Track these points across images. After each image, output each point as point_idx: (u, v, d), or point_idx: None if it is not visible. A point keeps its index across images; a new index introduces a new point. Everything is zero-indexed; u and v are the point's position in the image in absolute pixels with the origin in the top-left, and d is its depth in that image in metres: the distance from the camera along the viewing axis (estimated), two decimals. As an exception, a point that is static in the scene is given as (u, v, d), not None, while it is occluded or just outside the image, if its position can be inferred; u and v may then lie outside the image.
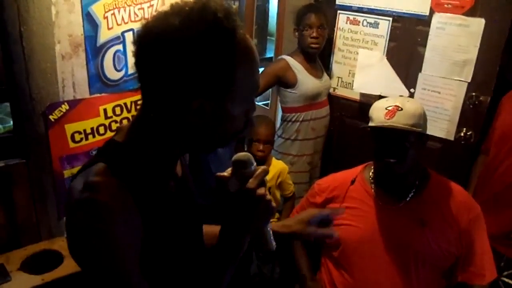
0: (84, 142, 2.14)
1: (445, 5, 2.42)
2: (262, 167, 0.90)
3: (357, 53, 2.85)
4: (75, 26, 1.98)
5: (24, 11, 1.83)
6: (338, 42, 2.96)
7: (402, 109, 1.51)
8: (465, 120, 2.45)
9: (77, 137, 2.11)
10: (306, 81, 2.70)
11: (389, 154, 1.53)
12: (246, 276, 2.65)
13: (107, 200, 0.77)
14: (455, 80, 2.44)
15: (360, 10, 2.80)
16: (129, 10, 2.13)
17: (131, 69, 2.18)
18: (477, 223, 1.59)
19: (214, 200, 0.94)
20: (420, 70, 2.57)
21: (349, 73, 2.93)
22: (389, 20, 2.68)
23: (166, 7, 0.81)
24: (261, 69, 2.74)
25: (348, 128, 3.00)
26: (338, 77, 3.00)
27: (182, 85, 0.78)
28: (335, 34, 2.95)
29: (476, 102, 2.39)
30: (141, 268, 0.82)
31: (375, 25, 2.75)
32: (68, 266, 1.91)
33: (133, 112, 2.29)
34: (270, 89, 3.11)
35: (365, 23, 2.80)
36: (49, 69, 1.95)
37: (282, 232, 1.24)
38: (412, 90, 2.62)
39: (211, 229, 1.10)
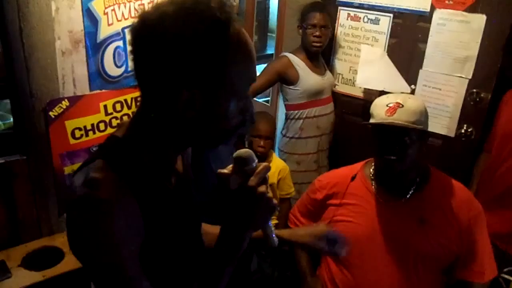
0: (84, 138, 2.14)
1: (446, 1, 2.41)
2: (264, 163, 0.89)
3: (358, 50, 2.84)
4: (75, 22, 1.98)
5: (23, 7, 1.82)
6: (339, 38, 2.95)
7: (403, 106, 1.50)
8: (466, 116, 2.45)
9: (78, 133, 2.11)
10: (308, 77, 2.69)
11: (389, 151, 1.52)
12: (247, 272, 2.65)
13: (107, 196, 0.77)
14: (456, 76, 2.44)
15: (361, 6, 2.79)
16: (129, 6, 2.13)
17: (131, 66, 2.17)
18: (478, 221, 1.58)
19: (214, 197, 0.93)
20: (421, 66, 2.57)
21: (350, 69, 2.92)
22: (390, 17, 2.67)
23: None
24: (262, 66, 2.74)
25: (349, 125, 3.00)
26: (339, 74, 3.00)
27: (173, 74, 0.78)
28: (336, 30, 2.94)
29: (477, 99, 2.38)
30: (141, 264, 0.82)
31: (376, 21, 2.74)
32: (69, 263, 1.92)
33: (134, 109, 2.28)
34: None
35: (366, 19, 2.79)
36: (49, 66, 1.95)
37: (290, 240, 1.27)
38: (413, 86, 2.62)
39: (211, 230, 1.10)
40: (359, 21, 2.82)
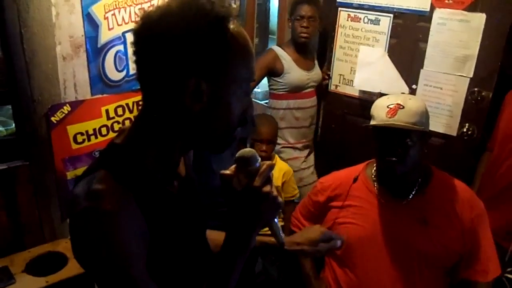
0: (86, 143, 2.14)
1: (446, 1, 2.41)
2: (267, 162, 0.88)
3: (359, 50, 2.84)
4: (75, 27, 1.98)
5: (24, 12, 1.83)
6: (339, 39, 2.95)
7: (404, 107, 1.50)
8: (468, 115, 2.44)
9: (80, 138, 2.11)
10: (293, 71, 2.77)
11: (390, 153, 1.51)
12: (251, 274, 2.65)
13: (111, 208, 0.76)
14: (457, 75, 2.44)
15: (361, 7, 2.80)
16: (130, 10, 2.13)
17: (133, 70, 2.18)
18: (481, 221, 1.58)
19: (217, 199, 0.93)
20: (422, 66, 2.57)
21: (351, 70, 2.92)
22: (390, 17, 2.67)
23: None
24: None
25: (349, 126, 3.00)
26: (340, 75, 3.00)
27: (178, 67, 0.79)
28: (336, 31, 2.94)
29: (478, 98, 2.38)
30: (148, 270, 0.82)
31: (376, 22, 2.74)
32: (72, 268, 1.91)
33: (135, 113, 2.29)
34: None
35: (366, 20, 2.79)
36: (50, 71, 1.95)
37: (291, 250, 1.27)
38: (414, 86, 2.62)
39: (212, 236, 1.10)
40: (359, 22, 2.82)
